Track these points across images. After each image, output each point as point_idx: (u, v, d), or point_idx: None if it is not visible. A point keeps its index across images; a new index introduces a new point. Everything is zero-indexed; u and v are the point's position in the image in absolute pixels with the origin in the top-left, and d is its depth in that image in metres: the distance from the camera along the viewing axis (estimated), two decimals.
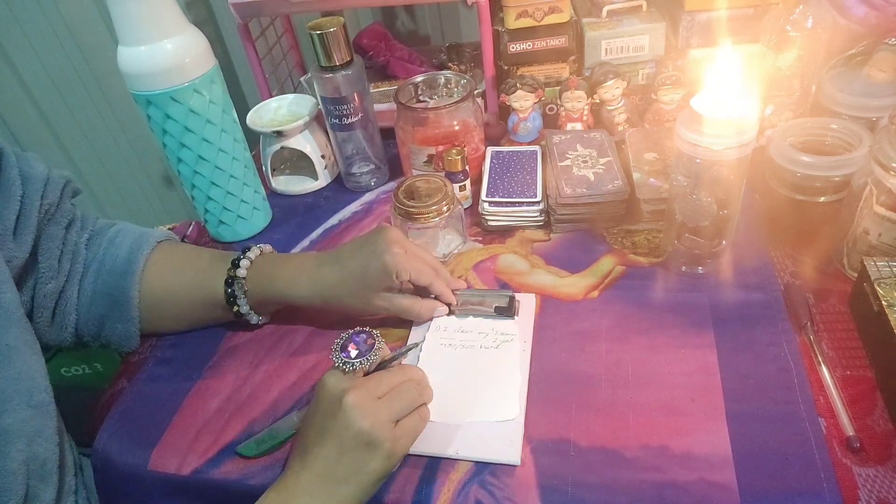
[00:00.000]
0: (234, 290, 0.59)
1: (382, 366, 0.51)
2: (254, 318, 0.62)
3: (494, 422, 0.52)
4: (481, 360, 0.57)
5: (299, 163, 0.87)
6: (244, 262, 0.59)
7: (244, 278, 0.59)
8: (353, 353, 0.49)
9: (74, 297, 0.59)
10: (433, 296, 0.60)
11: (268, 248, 0.63)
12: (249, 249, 0.61)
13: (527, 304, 0.62)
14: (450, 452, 0.50)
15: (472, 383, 0.55)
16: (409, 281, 0.57)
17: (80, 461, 0.56)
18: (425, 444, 0.51)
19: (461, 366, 0.57)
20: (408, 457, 0.50)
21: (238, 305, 0.60)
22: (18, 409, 0.47)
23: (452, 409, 0.53)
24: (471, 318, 0.61)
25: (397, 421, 0.48)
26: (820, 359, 0.52)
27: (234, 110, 0.70)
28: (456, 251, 0.69)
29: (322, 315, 0.63)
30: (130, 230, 0.63)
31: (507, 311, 0.60)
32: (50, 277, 0.57)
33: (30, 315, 0.56)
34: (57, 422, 0.51)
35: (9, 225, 0.52)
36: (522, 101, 0.77)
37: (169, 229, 0.74)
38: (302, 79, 0.99)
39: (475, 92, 0.78)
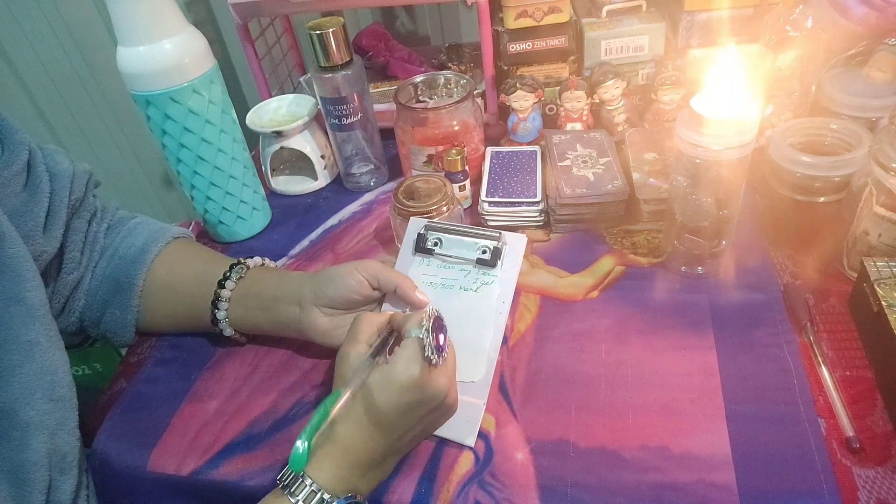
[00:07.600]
0: (218, 303, 0.59)
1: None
2: (227, 331, 0.60)
3: (459, 382, 0.51)
4: (456, 307, 0.55)
5: (299, 163, 0.87)
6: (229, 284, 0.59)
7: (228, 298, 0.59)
8: (442, 340, 0.47)
9: (87, 283, 0.60)
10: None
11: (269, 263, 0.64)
12: (238, 268, 0.60)
13: (514, 247, 0.57)
14: None
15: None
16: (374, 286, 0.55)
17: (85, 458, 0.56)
18: None
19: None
20: (407, 456, 0.50)
21: (220, 326, 0.59)
22: (40, 402, 0.47)
23: None
24: (454, 249, 0.58)
25: None
26: (820, 359, 0.52)
27: (233, 110, 0.70)
28: None
29: None
30: (150, 223, 0.64)
31: (489, 262, 0.57)
32: (72, 269, 0.58)
33: None
34: (77, 417, 0.52)
35: (39, 221, 0.53)
36: (522, 101, 0.77)
37: None
38: (301, 79, 0.99)
39: (475, 92, 0.78)
